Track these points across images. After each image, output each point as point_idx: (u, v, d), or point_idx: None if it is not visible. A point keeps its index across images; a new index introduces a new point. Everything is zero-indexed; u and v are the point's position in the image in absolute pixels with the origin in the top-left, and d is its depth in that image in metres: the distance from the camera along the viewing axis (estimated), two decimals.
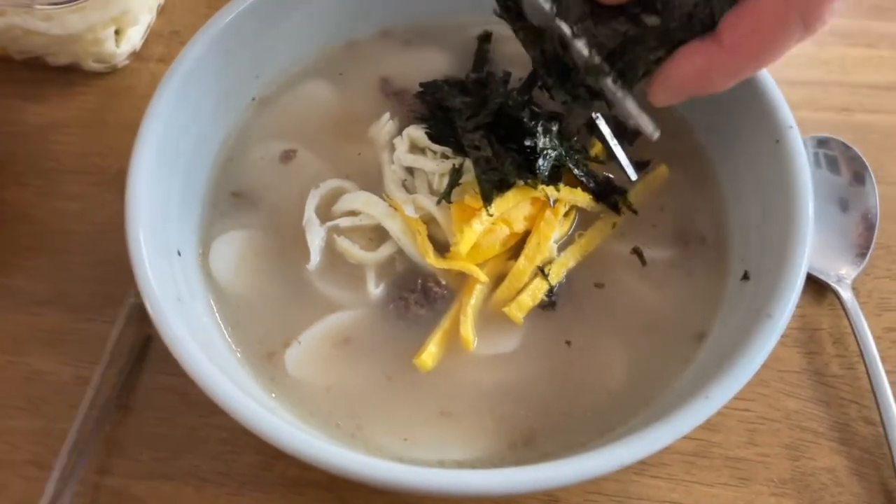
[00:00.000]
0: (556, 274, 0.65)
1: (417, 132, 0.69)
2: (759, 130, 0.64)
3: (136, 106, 0.88)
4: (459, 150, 0.66)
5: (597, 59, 0.55)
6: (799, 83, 0.92)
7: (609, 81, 0.56)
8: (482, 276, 0.63)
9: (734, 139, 0.68)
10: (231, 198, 0.69)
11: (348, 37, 0.77)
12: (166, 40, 0.94)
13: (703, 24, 0.53)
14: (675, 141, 0.72)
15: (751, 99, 0.65)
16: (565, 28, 0.55)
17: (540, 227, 0.64)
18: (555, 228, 0.65)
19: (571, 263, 0.66)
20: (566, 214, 0.66)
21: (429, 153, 0.68)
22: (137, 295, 0.56)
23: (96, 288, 0.77)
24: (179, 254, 0.63)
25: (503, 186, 0.63)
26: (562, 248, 0.67)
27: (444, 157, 0.67)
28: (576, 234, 0.67)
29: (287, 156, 0.71)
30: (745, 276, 0.63)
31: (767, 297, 0.56)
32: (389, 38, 0.78)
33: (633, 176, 0.66)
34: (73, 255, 0.79)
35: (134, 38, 0.90)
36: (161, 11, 0.95)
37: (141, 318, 0.72)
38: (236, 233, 0.67)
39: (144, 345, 0.72)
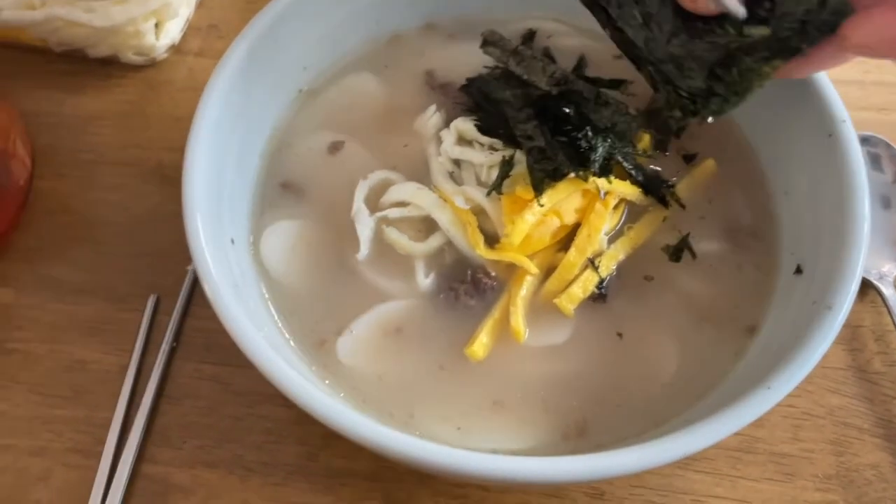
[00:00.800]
0: (607, 266, 0.65)
1: (465, 124, 0.69)
2: (811, 124, 0.64)
3: (175, 99, 0.89)
4: (509, 141, 0.66)
5: None
6: (837, 82, 0.92)
7: None
8: (532, 268, 0.63)
9: (783, 133, 0.68)
10: (280, 188, 0.69)
11: (393, 30, 0.77)
12: (204, 34, 0.94)
13: (821, 31, 0.50)
14: (721, 135, 0.72)
15: (802, 92, 0.65)
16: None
17: (590, 219, 0.64)
18: (605, 220, 0.65)
19: (621, 256, 0.66)
20: (616, 207, 0.66)
21: (476, 145, 0.68)
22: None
23: (137, 278, 0.77)
24: (233, 242, 0.63)
25: (555, 177, 0.63)
26: (611, 240, 0.66)
27: (493, 149, 0.67)
28: (625, 227, 0.67)
29: (335, 147, 0.71)
30: (798, 270, 0.63)
31: (825, 288, 0.56)
32: (434, 32, 0.78)
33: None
34: (114, 245, 0.79)
35: (173, 31, 0.91)
36: (199, 5, 0.95)
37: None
38: (286, 223, 0.67)
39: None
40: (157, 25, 0.89)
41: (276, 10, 0.67)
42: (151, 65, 0.91)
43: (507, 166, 0.65)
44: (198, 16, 0.95)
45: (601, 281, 0.64)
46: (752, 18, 0.50)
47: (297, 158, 0.71)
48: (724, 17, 0.51)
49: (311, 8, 0.70)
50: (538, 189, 0.62)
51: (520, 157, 0.65)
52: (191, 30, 0.94)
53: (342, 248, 0.66)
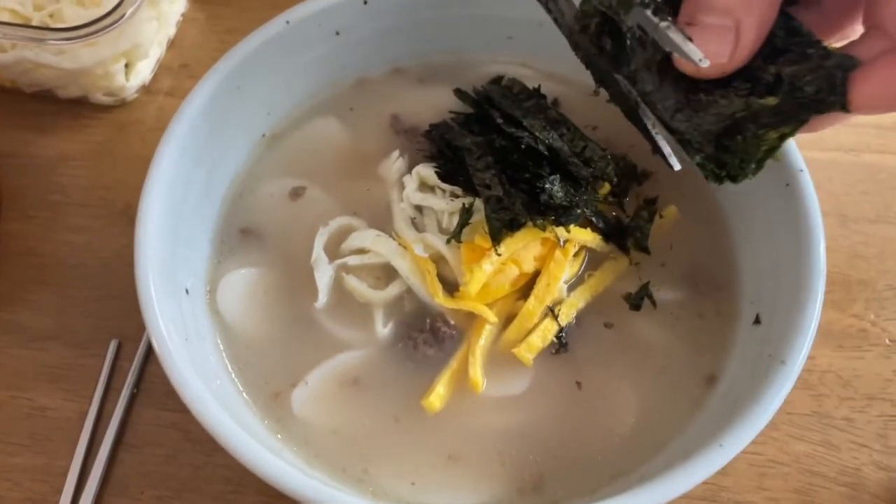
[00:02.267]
0: (566, 315, 0.64)
1: (427, 170, 0.69)
2: (770, 173, 0.64)
3: (144, 139, 0.89)
4: (469, 189, 0.66)
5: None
6: None
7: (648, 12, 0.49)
8: (492, 317, 0.63)
9: (743, 184, 0.68)
10: (240, 234, 0.69)
11: (359, 74, 0.77)
12: (175, 73, 0.94)
13: (828, 98, 0.47)
14: (682, 182, 0.72)
15: None
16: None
17: (550, 267, 0.64)
18: (565, 269, 0.64)
19: (581, 304, 0.65)
20: (576, 254, 0.66)
21: (438, 192, 0.68)
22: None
23: (101, 323, 0.76)
24: (187, 292, 0.62)
25: (513, 226, 0.63)
26: (571, 288, 0.66)
27: (454, 195, 0.67)
28: (585, 275, 0.67)
29: (296, 193, 0.71)
30: (757, 320, 0.62)
31: (780, 342, 0.56)
32: (401, 76, 0.78)
33: (676, 166, 0.59)
34: (78, 289, 0.79)
35: (143, 71, 0.91)
36: (171, 45, 0.95)
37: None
38: (244, 270, 0.67)
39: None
40: (127, 66, 0.89)
41: (240, 55, 0.68)
42: (121, 105, 0.91)
43: (466, 214, 0.65)
44: (169, 55, 0.95)
45: (560, 330, 0.64)
46: (759, 85, 0.49)
47: (258, 204, 0.71)
48: (728, 86, 0.49)
49: (277, 53, 0.70)
50: (496, 238, 0.62)
51: (479, 204, 0.65)
52: (162, 69, 0.94)
53: (301, 297, 0.66)
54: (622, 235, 0.68)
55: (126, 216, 0.83)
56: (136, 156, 0.88)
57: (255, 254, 0.68)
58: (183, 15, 0.97)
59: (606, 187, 0.69)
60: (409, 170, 0.71)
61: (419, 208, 0.69)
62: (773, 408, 0.53)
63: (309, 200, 0.71)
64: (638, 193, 0.71)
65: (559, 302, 0.65)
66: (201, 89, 0.65)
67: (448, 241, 0.65)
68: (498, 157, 0.66)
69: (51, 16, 0.87)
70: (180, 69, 0.95)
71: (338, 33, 0.73)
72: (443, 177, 0.67)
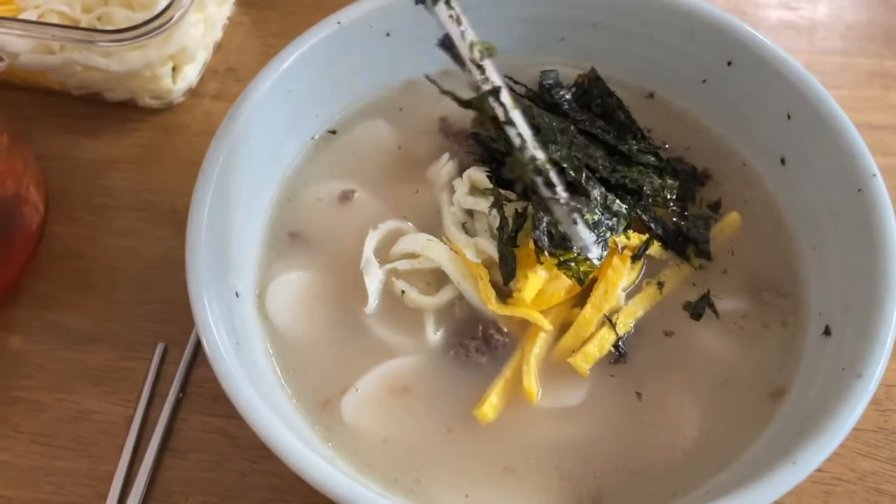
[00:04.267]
0: (624, 323, 0.62)
1: (478, 174, 0.67)
2: (839, 178, 0.62)
3: (190, 143, 0.89)
4: (523, 193, 0.64)
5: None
6: (867, 127, 0.89)
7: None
8: (546, 325, 0.61)
9: (810, 184, 0.65)
10: (289, 238, 0.68)
11: (408, 76, 0.76)
12: (221, 77, 0.94)
13: None
14: (744, 188, 0.69)
15: (829, 144, 0.63)
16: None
17: (608, 274, 0.62)
18: (623, 276, 0.62)
19: (640, 312, 0.63)
20: (635, 260, 0.64)
21: (490, 195, 0.66)
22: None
23: (146, 326, 0.76)
24: (238, 295, 0.61)
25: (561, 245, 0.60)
26: (629, 296, 0.64)
27: (507, 199, 0.65)
28: (644, 282, 0.65)
29: (345, 196, 0.69)
30: (827, 332, 0.59)
31: (855, 355, 0.53)
32: (450, 78, 0.76)
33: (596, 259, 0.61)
34: (124, 292, 0.78)
35: (190, 75, 0.90)
36: (217, 49, 0.95)
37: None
38: (293, 274, 0.66)
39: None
40: (174, 69, 0.89)
41: (291, 58, 0.67)
42: (168, 108, 0.90)
43: (520, 219, 0.63)
44: (215, 59, 0.94)
45: (618, 339, 0.62)
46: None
47: (307, 207, 0.69)
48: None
49: (324, 56, 0.69)
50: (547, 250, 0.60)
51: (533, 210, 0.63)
52: (208, 73, 0.93)
53: (350, 301, 0.64)
54: (682, 242, 0.66)
55: (172, 220, 0.83)
56: (182, 160, 0.87)
57: (305, 257, 0.67)
58: (229, 19, 0.97)
59: (664, 186, 0.66)
60: (459, 173, 0.69)
61: (470, 212, 0.67)
62: (849, 423, 0.50)
63: (358, 204, 0.69)
64: (700, 198, 0.68)
65: (617, 310, 0.63)
66: (251, 93, 0.64)
67: (503, 244, 0.62)
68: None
69: (99, 18, 0.87)
70: (226, 73, 0.94)
71: (388, 34, 0.72)
72: (495, 181, 0.65)
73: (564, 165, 0.62)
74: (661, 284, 0.64)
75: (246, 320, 0.61)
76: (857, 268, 0.58)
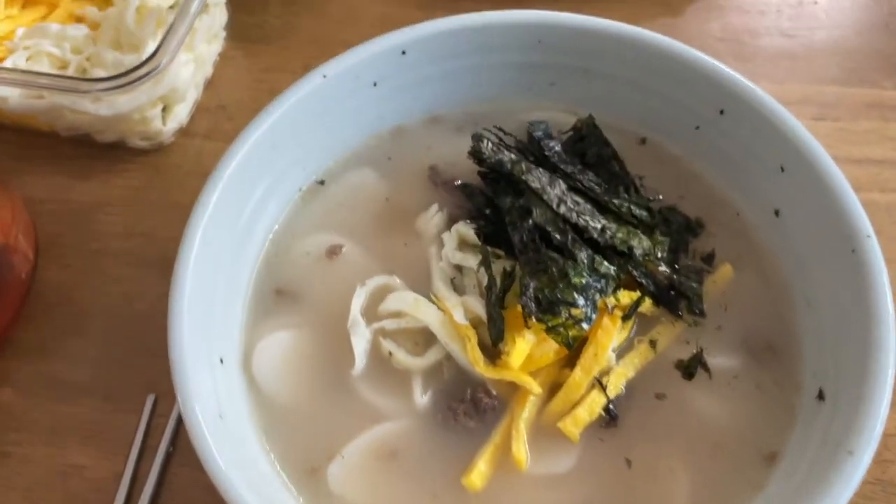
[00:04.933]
0: (615, 385, 0.61)
1: (466, 229, 0.66)
2: (833, 235, 0.61)
3: (181, 184, 0.88)
4: (511, 251, 0.63)
5: None
6: (864, 161, 0.88)
7: None
8: (535, 388, 0.60)
9: (805, 241, 0.64)
10: (275, 295, 0.67)
11: (396, 123, 0.75)
12: (213, 115, 0.93)
13: None
14: (738, 239, 0.68)
15: (823, 200, 0.62)
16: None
17: (597, 335, 0.61)
18: (613, 337, 0.61)
19: (631, 373, 0.62)
20: (625, 319, 0.63)
21: (479, 249, 0.66)
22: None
23: (137, 377, 0.75)
24: (222, 362, 0.60)
25: (550, 310, 0.59)
26: (620, 355, 0.63)
27: (496, 255, 0.64)
28: (635, 340, 0.64)
29: (333, 251, 0.69)
30: (821, 396, 0.58)
31: (847, 428, 0.52)
32: (439, 124, 0.75)
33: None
34: (114, 341, 0.78)
35: (181, 114, 0.89)
36: (208, 86, 0.94)
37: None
38: (280, 334, 0.65)
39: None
40: (164, 110, 0.88)
41: (274, 115, 0.66)
42: (159, 149, 0.90)
43: (508, 279, 0.62)
44: (206, 97, 0.94)
45: (609, 402, 0.61)
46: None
47: (295, 263, 0.69)
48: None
49: (313, 108, 0.68)
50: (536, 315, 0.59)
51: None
52: (199, 111, 0.92)
53: (337, 362, 0.64)
54: (675, 297, 0.65)
55: (163, 265, 0.80)
56: (173, 202, 0.86)
57: (292, 316, 0.66)
58: (220, 54, 0.96)
59: (661, 245, 0.65)
60: (449, 225, 0.68)
61: (459, 267, 0.66)
62: (843, 500, 0.49)
63: (346, 259, 0.68)
64: (693, 249, 0.67)
65: (607, 371, 0.62)
66: (234, 152, 0.63)
67: (492, 305, 0.62)
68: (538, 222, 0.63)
69: (88, 59, 0.86)
70: (217, 110, 0.93)
71: (375, 84, 0.71)
72: (483, 237, 0.65)
73: (549, 229, 0.61)
74: (653, 343, 0.63)
75: (231, 386, 0.60)
76: (849, 331, 0.57)
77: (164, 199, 0.87)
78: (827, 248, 0.61)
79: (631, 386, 0.62)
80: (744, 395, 0.61)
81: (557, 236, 0.61)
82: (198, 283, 0.60)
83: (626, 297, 0.62)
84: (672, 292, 0.65)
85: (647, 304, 0.63)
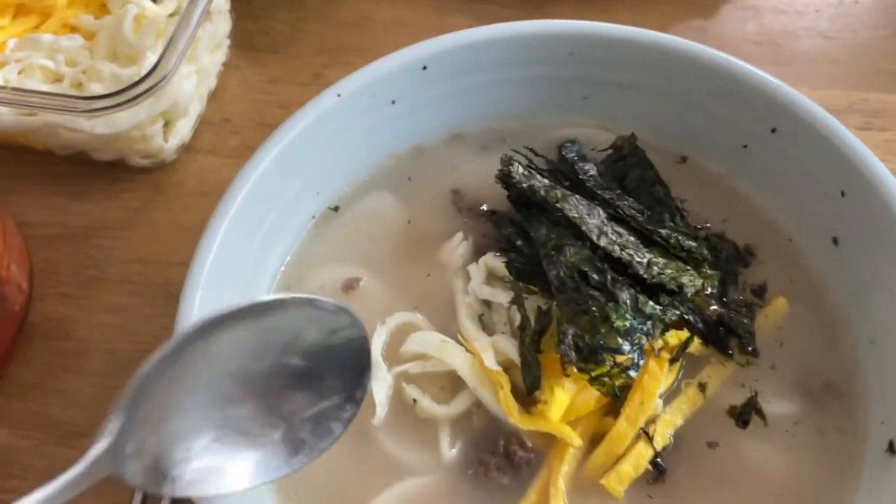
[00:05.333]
0: (662, 435, 0.56)
1: (496, 262, 0.60)
2: None
3: (184, 204, 0.83)
4: (546, 286, 0.58)
5: None
6: None
7: None
8: (576, 440, 0.55)
9: (866, 272, 0.58)
10: None
11: (415, 142, 0.69)
12: (217, 129, 0.87)
13: None
14: (791, 270, 0.63)
15: (890, 230, 0.56)
16: None
17: (643, 381, 0.56)
18: (660, 383, 0.56)
19: (679, 421, 0.57)
20: (672, 361, 0.57)
21: (509, 284, 0.60)
22: None
23: None
24: None
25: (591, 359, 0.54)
26: (667, 401, 0.57)
27: (529, 291, 0.59)
28: (683, 384, 0.58)
29: (349, 285, 0.63)
30: (891, 449, 0.53)
31: None
32: (462, 143, 0.70)
33: None
34: (112, 377, 0.72)
35: (183, 129, 0.84)
36: (211, 98, 0.89)
37: None
38: None
39: None
40: (166, 125, 0.83)
41: (285, 139, 0.60)
42: (160, 167, 0.84)
43: (544, 318, 0.56)
44: (210, 109, 0.88)
45: (656, 454, 0.55)
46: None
47: None
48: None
49: (326, 129, 0.63)
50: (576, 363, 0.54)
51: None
52: (202, 125, 0.87)
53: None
54: (724, 334, 0.59)
55: (165, 293, 0.77)
56: (176, 224, 0.81)
57: None
58: (224, 64, 0.90)
59: (712, 278, 0.60)
60: (475, 255, 0.63)
61: (488, 303, 0.60)
62: None
63: (364, 293, 0.63)
64: (744, 281, 0.62)
65: (653, 419, 0.56)
66: (241, 182, 0.58)
67: (526, 348, 0.56)
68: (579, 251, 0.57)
69: (84, 72, 0.81)
70: (222, 124, 0.88)
71: (394, 102, 0.65)
72: (514, 272, 0.59)
73: (585, 269, 0.55)
74: (702, 386, 0.58)
75: None
76: None
77: (167, 220, 0.81)
78: (891, 280, 0.56)
79: (679, 435, 0.57)
80: (804, 444, 0.56)
81: (595, 276, 0.55)
82: None
83: (674, 337, 0.57)
84: (722, 329, 0.59)
85: (695, 344, 0.58)
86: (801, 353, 0.60)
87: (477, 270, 0.61)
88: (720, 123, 0.65)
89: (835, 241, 0.61)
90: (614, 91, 0.67)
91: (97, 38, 0.83)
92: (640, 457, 0.55)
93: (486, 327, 0.60)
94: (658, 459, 0.55)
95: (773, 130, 0.62)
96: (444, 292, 0.63)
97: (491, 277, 0.61)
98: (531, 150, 0.64)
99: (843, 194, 0.59)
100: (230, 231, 0.57)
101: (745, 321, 0.59)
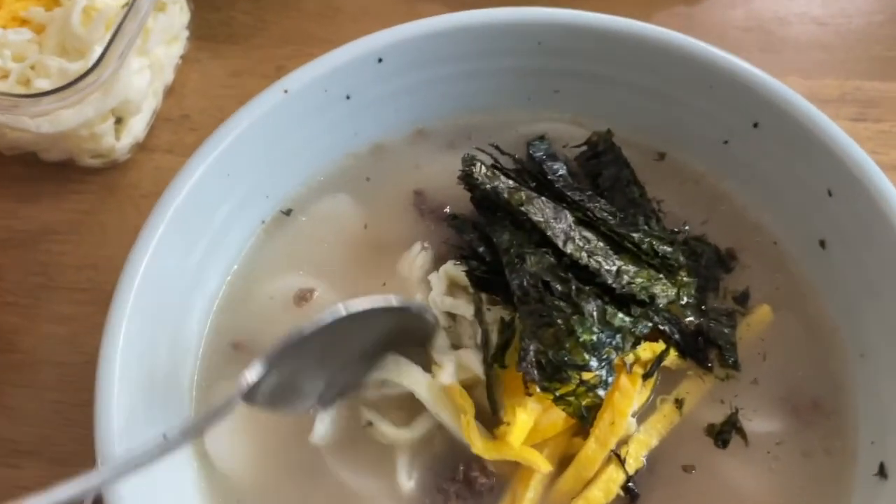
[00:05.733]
0: (635, 457, 0.52)
1: (456, 271, 0.56)
2: (891, 274, 0.50)
3: (138, 207, 0.78)
4: (510, 299, 0.53)
5: None
6: None
7: None
8: (544, 466, 0.50)
9: (855, 278, 0.54)
10: (232, 350, 0.58)
11: (375, 139, 0.64)
12: (174, 126, 0.83)
13: None
14: (776, 275, 0.58)
15: (881, 233, 0.52)
16: None
17: (614, 399, 0.51)
18: (632, 401, 0.51)
19: (654, 441, 0.53)
20: (646, 376, 0.53)
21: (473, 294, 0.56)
22: None
23: (86, 434, 0.65)
24: (166, 438, 0.51)
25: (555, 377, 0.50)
26: (641, 419, 0.53)
27: (493, 302, 0.54)
28: (658, 400, 0.54)
29: (302, 296, 0.59)
30: (882, 472, 0.49)
31: None
32: (425, 140, 0.65)
33: None
34: (61, 392, 0.69)
35: (136, 127, 0.79)
36: (169, 93, 0.84)
37: None
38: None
39: None
40: (118, 122, 0.78)
41: (226, 140, 0.56)
42: (112, 167, 0.80)
43: (507, 330, 0.52)
44: (167, 106, 0.83)
45: (628, 479, 0.51)
46: None
47: (256, 311, 0.59)
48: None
49: (271, 130, 0.58)
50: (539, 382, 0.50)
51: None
52: (159, 122, 0.82)
53: (306, 434, 0.54)
54: (703, 345, 0.55)
55: None
56: (129, 227, 0.75)
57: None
58: (182, 57, 0.85)
59: (688, 286, 0.55)
60: (437, 263, 0.58)
61: (453, 315, 0.56)
62: None
63: (318, 305, 0.59)
64: (725, 287, 0.58)
65: (625, 440, 0.52)
66: (180, 184, 0.54)
67: (488, 367, 0.52)
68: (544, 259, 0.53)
69: (32, 67, 0.76)
70: (180, 121, 0.83)
71: (348, 97, 0.61)
72: (476, 282, 0.55)
73: (548, 279, 0.51)
74: (679, 402, 0.53)
75: (177, 466, 0.51)
76: None
77: (119, 224, 0.77)
78: (883, 287, 0.51)
79: (653, 457, 0.53)
80: (788, 467, 0.52)
81: (559, 286, 0.51)
82: (135, 343, 0.51)
83: (647, 350, 0.53)
84: (700, 340, 0.55)
85: (671, 357, 0.54)
86: (785, 367, 0.56)
87: (437, 280, 0.56)
88: (700, 118, 0.60)
89: (822, 244, 0.57)
90: (587, 84, 0.63)
91: (47, 31, 0.78)
92: (612, 481, 0.51)
93: (453, 338, 0.55)
94: (630, 484, 0.51)
95: (755, 125, 0.58)
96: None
97: (454, 287, 0.57)
98: (497, 147, 0.60)
99: (830, 193, 0.55)
100: (165, 240, 0.53)
101: (726, 331, 0.55)
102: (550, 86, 0.64)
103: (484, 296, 0.54)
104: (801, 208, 0.57)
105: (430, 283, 0.57)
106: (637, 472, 0.52)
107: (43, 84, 0.74)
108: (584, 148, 0.63)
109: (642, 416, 0.54)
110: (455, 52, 0.61)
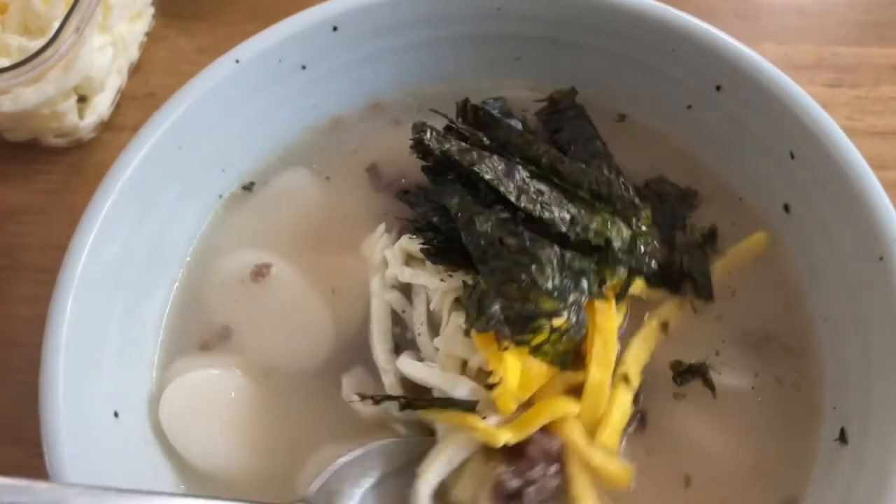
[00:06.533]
0: (635, 375, 0.52)
1: (411, 245, 0.55)
2: (855, 240, 0.50)
3: None
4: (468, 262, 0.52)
5: None
6: (888, 133, 0.76)
7: None
8: (566, 404, 0.50)
9: (820, 242, 0.54)
10: (190, 328, 0.57)
11: (333, 113, 0.63)
12: (141, 104, 0.82)
13: None
14: (744, 222, 0.58)
15: (843, 197, 0.51)
16: None
17: (597, 322, 0.51)
18: (614, 318, 0.52)
19: (646, 356, 0.53)
20: (619, 299, 0.53)
21: (429, 265, 0.55)
22: None
23: None
24: (116, 415, 0.50)
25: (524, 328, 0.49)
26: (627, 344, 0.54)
27: (454, 266, 0.54)
28: (645, 317, 0.55)
29: (259, 272, 0.58)
30: (842, 438, 0.48)
31: (877, 491, 0.42)
32: (382, 112, 0.64)
33: None
34: (25, 374, 0.67)
35: (101, 106, 0.78)
36: (134, 71, 0.83)
37: None
38: (195, 375, 0.55)
39: None
40: (82, 101, 0.77)
41: (175, 112, 0.55)
42: (78, 146, 0.79)
43: (474, 292, 0.51)
44: (133, 84, 0.82)
45: (637, 395, 0.52)
46: None
47: (213, 289, 0.58)
48: None
49: (224, 102, 0.57)
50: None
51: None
52: (124, 100, 0.81)
53: (282, 415, 0.53)
54: (677, 278, 0.55)
55: None
56: None
57: (211, 353, 0.56)
58: (147, 34, 0.84)
59: (639, 235, 0.55)
60: (397, 238, 0.57)
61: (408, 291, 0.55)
62: None
63: (274, 281, 0.58)
64: (692, 224, 0.58)
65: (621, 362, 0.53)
66: (126, 159, 0.53)
67: (468, 334, 0.51)
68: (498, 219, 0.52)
69: None
70: (146, 99, 0.82)
71: (304, 67, 0.60)
72: (430, 254, 0.54)
73: (500, 235, 0.50)
74: (664, 325, 0.54)
75: (130, 447, 0.50)
76: (879, 360, 0.47)
77: (84, 204, 0.75)
78: (848, 253, 0.51)
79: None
80: (753, 418, 0.52)
81: (512, 240, 0.50)
82: (83, 320, 0.50)
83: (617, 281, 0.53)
84: (675, 271, 0.56)
85: (642, 286, 0.54)
86: (751, 305, 0.56)
87: (393, 257, 0.56)
88: (662, 82, 0.59)
89: (786, 208, 0.56)
90: (548, 49, 0.61)
91: (9, 10, 0.77)
92: (623, 402, 0.51)
93: (405, 326, 0.55)
94: (638, 401, 0.52)
95: (718, 88, 0.57)
96: (362, 280, 0.58)
97: (412, 260, 0.56)
98: (440, 113, 0.58)
99: (792, 156, 0.54)
100: (112, 214, 0.52)
101: (699, 261, 0.55)
102: (512, 53, 0.63)
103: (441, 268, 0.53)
104: (765, 172, 0.56)
105: (387, 261, 0.56)
106: (640, 388, 0.52)
107: (2, 62, 0.73)
108: (544, 104, 0.62)
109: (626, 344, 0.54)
110: (412, 18, 0.60)
